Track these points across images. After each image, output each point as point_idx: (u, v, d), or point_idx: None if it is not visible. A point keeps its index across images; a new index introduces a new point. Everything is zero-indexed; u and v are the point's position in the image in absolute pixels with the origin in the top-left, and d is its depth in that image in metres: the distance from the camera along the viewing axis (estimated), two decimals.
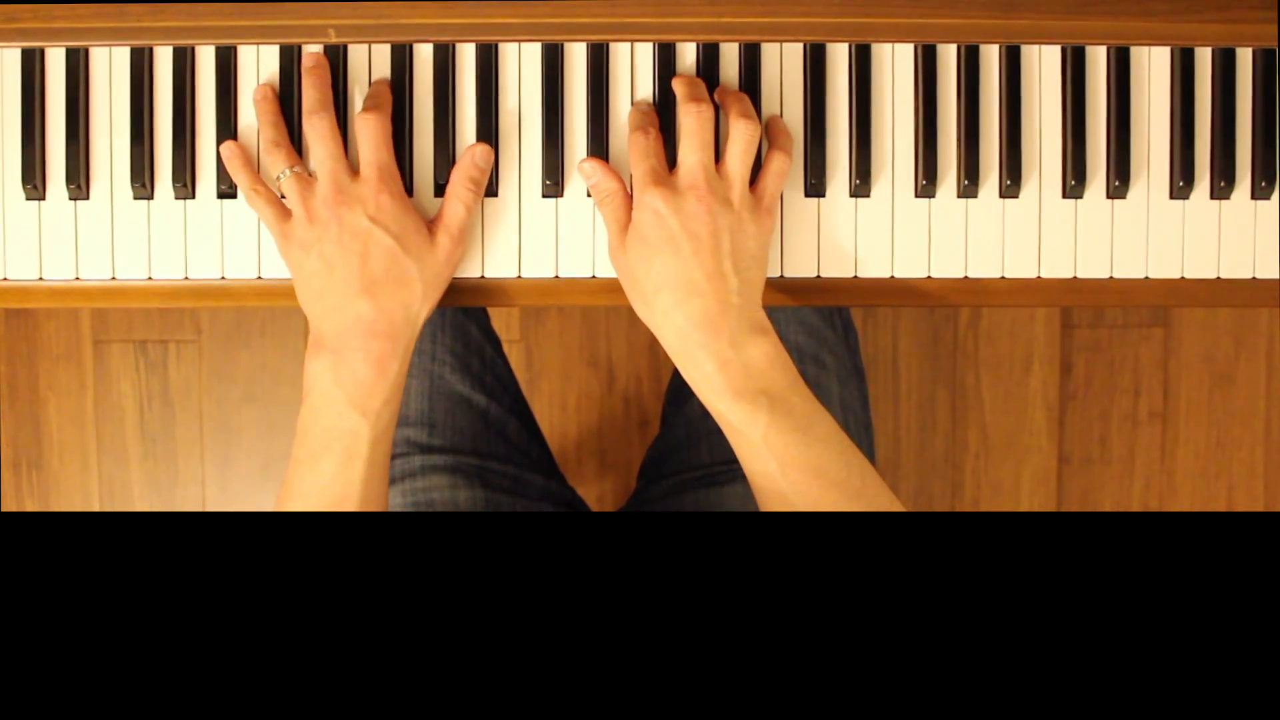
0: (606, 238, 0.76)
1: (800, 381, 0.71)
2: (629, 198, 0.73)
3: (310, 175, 0.73)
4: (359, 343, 0.70)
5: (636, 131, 0.73)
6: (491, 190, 0.76)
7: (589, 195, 0.77)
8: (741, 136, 0.72)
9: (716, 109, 0.75)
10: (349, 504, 0.70)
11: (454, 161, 0.76)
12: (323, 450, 0.70)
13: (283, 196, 0.74)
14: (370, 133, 0.72)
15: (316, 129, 0.72)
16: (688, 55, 0.77)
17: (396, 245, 0.70)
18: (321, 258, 0.70)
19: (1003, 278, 0.78)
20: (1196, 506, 1.57)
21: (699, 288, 0.69)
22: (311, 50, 0.76)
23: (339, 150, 0.72)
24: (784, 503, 0.69)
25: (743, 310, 0.70)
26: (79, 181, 0.76)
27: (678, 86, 0.75)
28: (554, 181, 0.76)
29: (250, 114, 0.76)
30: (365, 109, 0.73)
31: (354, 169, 0.72)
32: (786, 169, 0.75)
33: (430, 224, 0.74)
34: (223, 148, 0.75)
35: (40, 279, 0.77)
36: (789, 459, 0.69)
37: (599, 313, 1.54)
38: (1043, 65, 0.78)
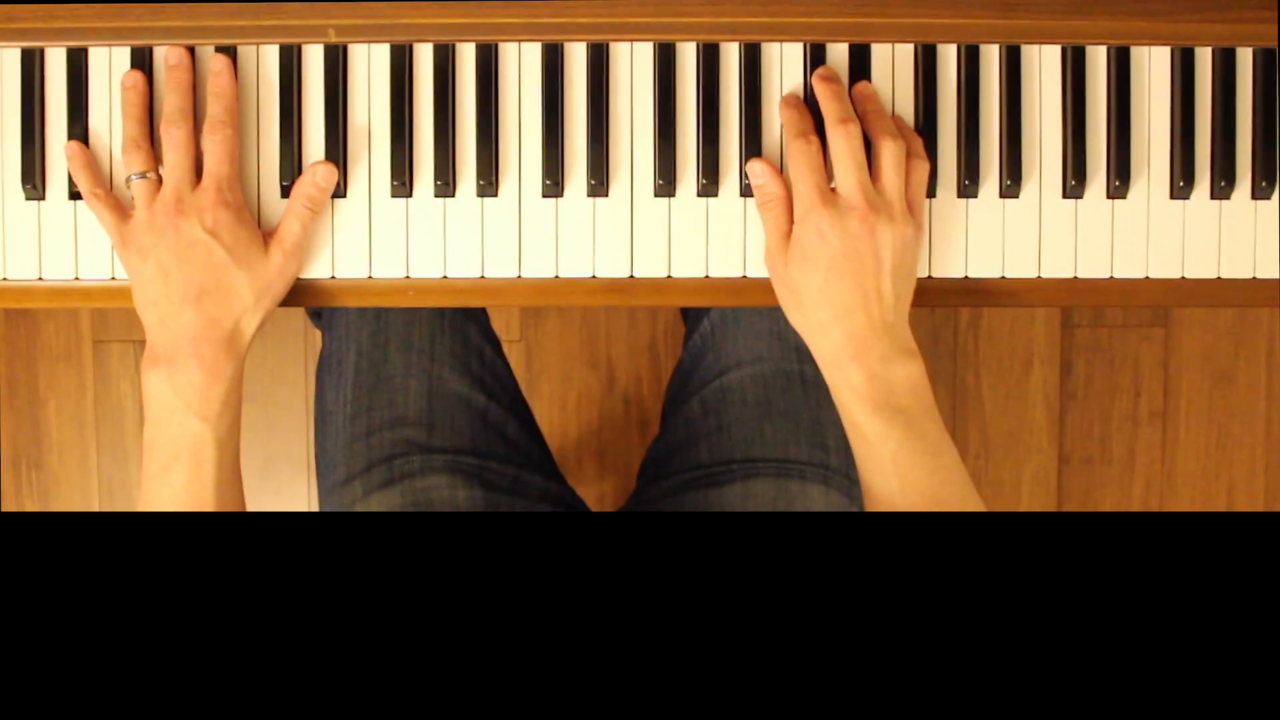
0: (611, 237, 0.76)
1: (935, 411, 0.73)
2: (790, 205, 0.74)
3: (159, 182, 0.73)
4: (190, 349, 0.71)
5: (799, 139, 0.74)
6: (491, 191, 0.76)
7: (590, 195, 0.77)
8: (891, 155, 0.73)
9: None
10: (205, 510, 0.71)
11: (453, 161, 0.76)
12: (171, 460, 0.72)
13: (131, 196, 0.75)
14: (217, 147, 0.73)
15: (176, 139, 0.73)
16: (688, 55, 0.77)
17: (228, 257, 0.72)
18: (158, 265, 0.72)
19: (1003, 277, 0.78)
20: (1197, 507, 1.57)
21: (857, 305, 0.71)
22: (173, 48, 0.75)
23: (190, 162, 0.73)
24: None
25: (895, 328, 0.72)
26: None
27: (825, 103, 0.75)
28: (554, 181, 0.76)
29: (250, 113, 0.76)
30: (214, 124, 0.73)
31: (198, 180, 0.73)
32: (926, 176, 0.76)
33: (267, 237, 0.75)
34: (66, 148, 0.75)
35: (40, 279, 0.77)
36: (911, 481, 0.71)
37: (599, 313, 1.54)
38: (1043, 65, 0.78)
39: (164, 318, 0.72)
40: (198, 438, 0.71)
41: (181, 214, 0.72)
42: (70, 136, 0.76)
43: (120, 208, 0.74)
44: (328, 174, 0.76)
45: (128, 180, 0.74)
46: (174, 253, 0.72)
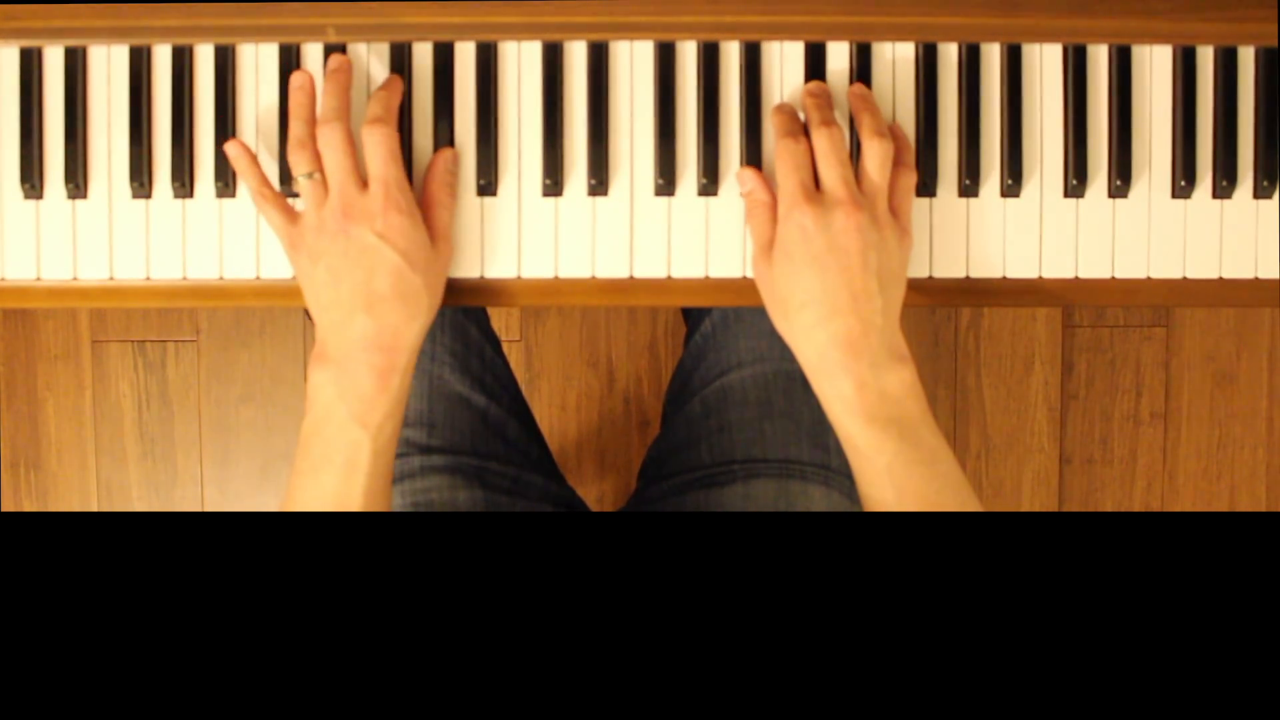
0: (611, 236, 0.76)
1: (930, 414, 0.72)
2: (775, 212, 0.73)
3: (326, 183, 0.72)
4: (362, 356, 0.70)
5: (787, 138, 0.73)
6: (490, 190, 0.76)
7: (590, 195, 0.76)
8: (876, 153, 0.72)
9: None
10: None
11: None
12: (324, 462, 0.70)
13: (293, 195, 0.74)
14: (378, 146, 0.71)
15: (330, 139, 0.71)
16: (688, 54, 0.77)
17: (403, 262, 0.70)
18: (329, 270, 0.70)
19: (1004, 277, 0.78)
20: (1198, 507, 1.57)
21: (843, 306, 0.70)
22: (336, 54, 0.75)
23: (350, 163, 0.71)
24: None
25: (884, 332, 0.70)
26: (77, 180, 0.76)
27: (810, 111, 0.74)
28: (554, 180, 0.76)
29: (249, 113, 0.76)
30: (372, 120, 0.72)
31: (363, 181, 0.72)
32: (913, 185, 0.75)
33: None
34: (228, 147, 0.74)
35: (38, 279, 0.76)
36: (908, 491, 0.70)
37: (599, 313, 1.54)
38: (1044, 64, 0.78)
39: (336, 323, 0.71)
40: (356, 445, 0.70)
41: (351, 219, 0.70)
42: (66, 134, 0.75)
43: (288, 209, 0.73)
44: (456, 158, 0.76)
45: (294, 181, 0.72)
46: (345, 257, 0.70)
